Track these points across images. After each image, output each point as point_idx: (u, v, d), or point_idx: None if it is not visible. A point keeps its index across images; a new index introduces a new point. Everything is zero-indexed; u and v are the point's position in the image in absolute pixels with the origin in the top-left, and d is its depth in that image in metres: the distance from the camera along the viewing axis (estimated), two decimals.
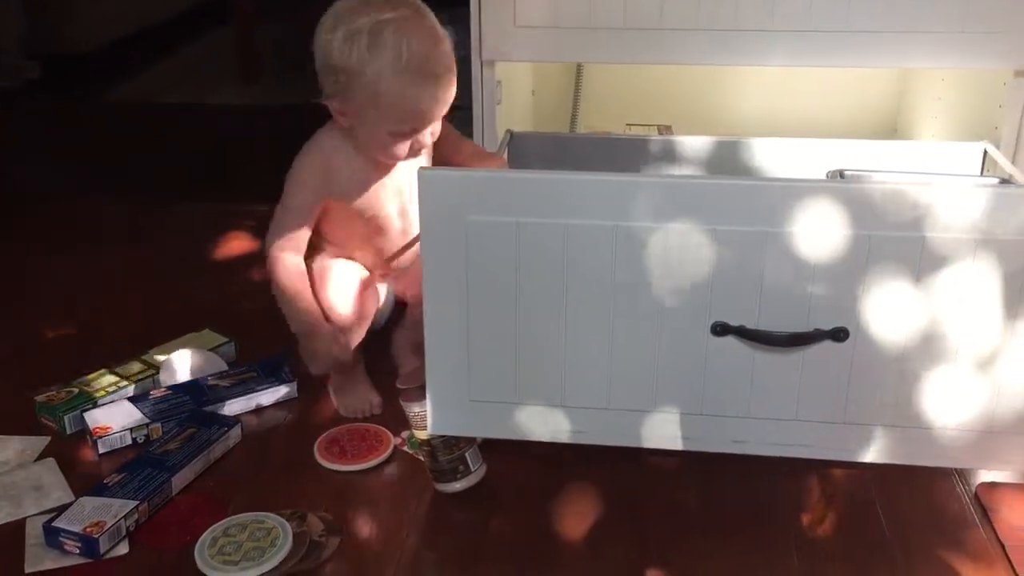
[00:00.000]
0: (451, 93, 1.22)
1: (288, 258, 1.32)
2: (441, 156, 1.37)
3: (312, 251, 1.36)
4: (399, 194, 1.34)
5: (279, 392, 1.45)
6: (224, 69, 3.29)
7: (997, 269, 1.01)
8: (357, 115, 1.23)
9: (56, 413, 1.36)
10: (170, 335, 1.56)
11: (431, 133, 1.25)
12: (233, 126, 2.85)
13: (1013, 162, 1.35)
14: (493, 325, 1.09)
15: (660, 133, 1.85)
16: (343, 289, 1.35)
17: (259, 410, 1.43)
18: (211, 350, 1.53)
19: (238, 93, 3.10)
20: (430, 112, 1.22)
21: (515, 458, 1.27)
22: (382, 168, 1.31)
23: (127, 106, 3.00)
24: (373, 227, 1.35)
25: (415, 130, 1.23)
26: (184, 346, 1.52)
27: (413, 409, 1.18)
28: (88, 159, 2.56)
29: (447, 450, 1.20)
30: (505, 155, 1.46)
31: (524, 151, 1.49)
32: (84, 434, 1.35)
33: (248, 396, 1.42)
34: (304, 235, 1.32)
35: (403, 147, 1.24)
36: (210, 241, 1.99)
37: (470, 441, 1.21)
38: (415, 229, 1.35)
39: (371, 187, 1.31)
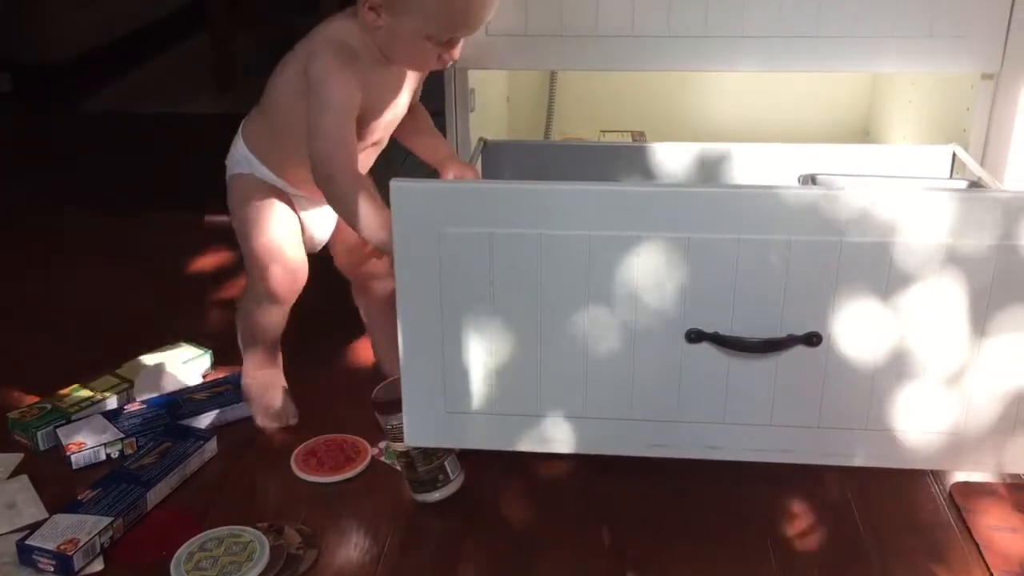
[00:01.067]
0: (495, 6, 1.17)
1: (359, 175, 1.21)
2: (418, 150, 1.36)
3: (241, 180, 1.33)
4: (395, 107, 1.27)
5: None
6: (198, 78, 3.27)
7: (967, 273, 1.02)
8: (397, 14, 1.15)
9: (29, 429, 1.35)
10: (146, 348, 1.55)
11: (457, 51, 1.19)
12: (208, 135, 2.84)
13: (982, 164, 1.37)
14: (468, 336, 1.09)
15: (634, 140, 1.86)
16: (291, 229, 1.32)
17: (235, 422, 1.42)
18: (187, 363, 1.52)
19: (213, 102, 3.08)
20: (476, 19, 1.16)
21: (493, 467, 1.27)
22: (395, 74, 1.24)
23: (101, 116, 2.98)
24: (360, 137, 1.24)
25: (452, 40, 1.17)
26: (159, 359, 1.51)
27: (391, 421, 1.18)
28: (62, 170, 2.54)
29: (425, 460, 1.20)
30: (479, 163, 1.46)
31: (498, 159, 1.49)
32: (58, 450, 1.33)
33: (223, 408, 1.42)
34: (356, 144, 1.21)
35: (433, 56, 1.18)
36: (186, 252, 1.98)
37: (448, 450, 1.21)
38: (383, 143, 1.31)
39: (378, 93, 1.23)
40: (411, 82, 1.29)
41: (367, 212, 1.16)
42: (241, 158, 1.34)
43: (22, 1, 3.14)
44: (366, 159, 1.31)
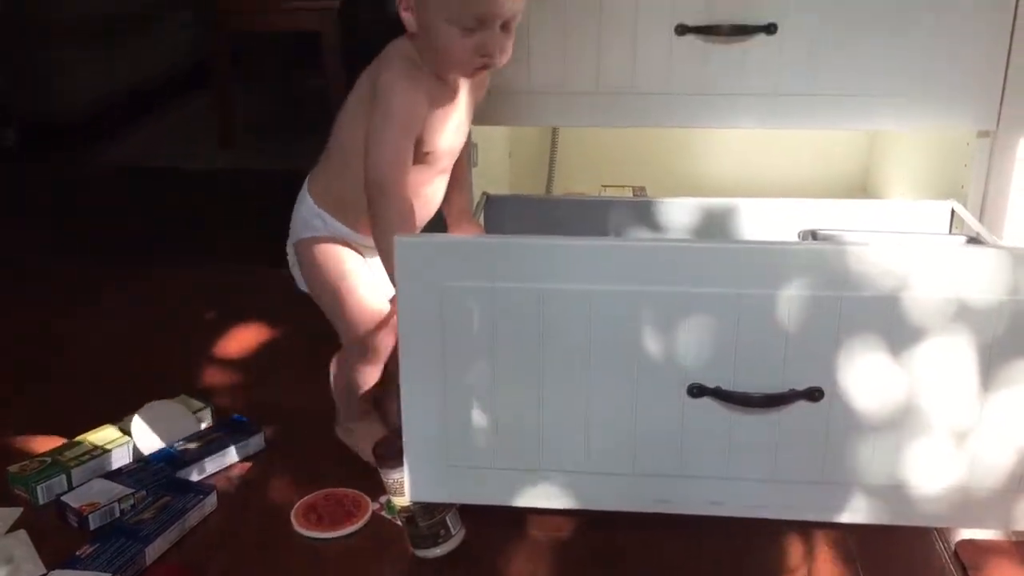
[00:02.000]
0: None
1: (408, 196, 1.19)
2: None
3: (310, 228, 1.31)
4: (457, 128, 1.27)
5: (249, 446, 1.45)
6: (200, 134, 3.30)
7: (969, 327, 1.02)
8: (423, 8, 1.15)
9: (28, 483, 1.34)
10: (146, 400, 1.55)
11: (501, 50, 1.17)
12: (210, 190, 2.86)
13: (980, 220, 1.38)
14: (470, 389, 1.08)
15: (635, 194, 1.87)
16: (373, 284, 1.30)
17: (235, 474, 1.41)
18: (187, 416, 1.52)
19: (214, 158, 3.11)
20: (498, 3, 1.13)
21: (495, 522, 1.26)
22: (452, 92, 1.24)
23: (105, 171, 3.00)
24: (420, 162, 1.24)
25: (481, 22, 1.13)
26: (160, 411, 1.51)
27: (391, 476, 1.17)
28: (65, 224, 2.55)
29: (427, 516, 1.19)
30: (481, 217, 1.47)
31: (501, 213, 1.50)
32: (56, 506, 1.32)
33: (220, 454, 1.42)
34: (411, 162, 1.19)
35: (469, 51, 1.15)
36: (186, 305, 1.99)
37: (449, 505, 1.20)
38: (448, 171, 1.31)
39: (439, 112, 1.22)
40: (467, 102, 1.28)
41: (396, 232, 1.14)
42: (311, 216, 1.32)
43: (29, 58, 3.19)
44: (435, 188, 1.31)
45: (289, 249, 1.38)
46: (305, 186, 1.35)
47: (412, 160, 1.21)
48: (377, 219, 1.18)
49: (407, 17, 1.18)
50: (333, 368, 1.42)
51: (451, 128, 1.26)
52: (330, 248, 1.31)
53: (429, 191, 1.30)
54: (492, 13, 1.13)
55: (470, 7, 1.13)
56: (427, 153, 1.24)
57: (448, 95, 1.24)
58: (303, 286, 1.38)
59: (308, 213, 1.33)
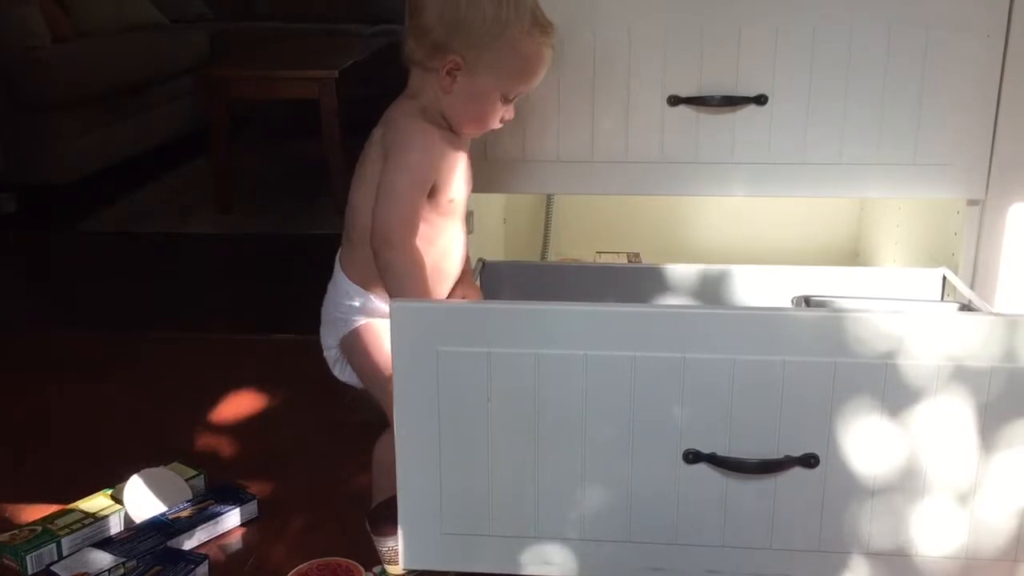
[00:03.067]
0: None
1: (418, 249, 1.21)
2: None
3: (344, 294, 1.30)
4: (467, 178, 1.31)
5: (242, 513, 1.44)
6: (198, 199, 3.33)
7: (963, 393, 1.03)
8: (475, 75, 1.20)
9: (18, 553, 1.33)
10: (139, 468, 1.54)
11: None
12: (208, 255, 2.88)
13: (971, 287, 1.39)
14: (465, 455, 1.08)
15: (629, 260, 1.89)
16: None
17: (228, 542, 1.40)
18: (180, 483, 1.50)
19: (213, 223, 3.14)
20: (542, 73, 1.24)
21: None
22: (457, 145, 1.27)
23: (102, 236, 3.02)
24: (445, 213, 1.27)
25: (518, 95, 1.24)
26: (152, 479, 1.50)
27: (386, 543, 1.16)
28: (62, 289, 2.56)
29: None
30: (477, 282, 1.48)
31: (496, 279, 1.51)
32: (47, 575, 1.31)
33: (212, 522, 1.41)
34: (420, 216, 1.22)
35: (497, 115, 1.24)
36: (181, 372, 1.98)
37: (444, 572, 1.19)
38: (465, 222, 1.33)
39: (454, 161, 1.26)
40: (468, 154, 1.32)
41: (414, 291, 1.17)
42: (351, 299, 1.30)
43: (29, 124, 3.23)
44: (460, 239, 1.32)
45: (329, 343, 1.34)
46: (338, 269, 1.33)
47: (431, 212, 1.24)
48: (387, 272, 1.20)
49: (447, 82, 1.22)
50: (380, 453, 1.34)
51: (463, 177, 1.30)
52: (375, 332, 1.29)
53: (456, 242, 1.31)
54: (533, 86, 1.24)
55: (525, 82, 1.23)
56: (450, 201, 1.27)
57: (460, 146, 1.28)
58: (348, 377, 1.34)
59: (348, 296, 1.30)
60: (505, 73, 1.21)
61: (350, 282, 1.30)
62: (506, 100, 1.24)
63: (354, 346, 1.30)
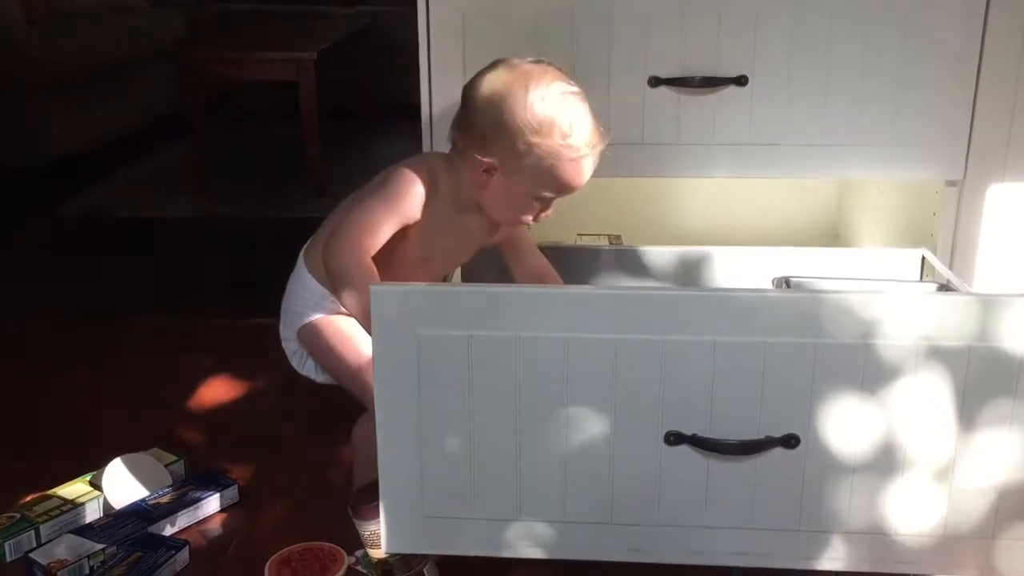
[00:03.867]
0: None
1: (368, 257, 1.21)
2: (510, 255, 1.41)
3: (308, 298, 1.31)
4: (454, 252, 1.34)
5: (223, 498, 1.43)
6: (174, 182, 3.31)
7: (942, 373, 1.03)
8: (511, 175, 1.21)
9: None
10: (118, 454, 1.53)
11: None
12: (184, 239, 2.86)
13: (950, 268, 1.40)
14: (446, 439, 1.08)
15: (611, 243, 1.88)
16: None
17: (208, 528, 1.39)
18: (160, 469, 1.50)
19: (189, 206, 3.11)
20: (583, 181, 1.24)
21: (473, 572, 1.25)
22: (461, 220, 1.29)
23: (78, 220, 2.99)
24: (417, 264, 1.30)
25: (552, 200, 1.25)
26: (132, 465, 1.49)
27: (368, 528, 1.16)
28: (36, 274, 2.54)
29: (405, 567, 1.18)
30: (458, 268, 1.47)
31: (477, 262, 1.50)
32: (24, 562, 1.30)
33: (193, 507, 1.40)
34: (381, 241, 1.23)
35: (533, 213, 1.25)
36: (159, 356, 1.97)
37: (426, 557, 1.19)
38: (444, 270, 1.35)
39: (444, 230, 1.28)
40: (488, 231, 1.33)
41: (360, 292, 1.16)
42: (313, 291, 1.31)
43: (3, 107, 3.19)
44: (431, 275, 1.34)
45: (287, 335, 1.35)
46: (301, 263, 1.34)
47: (404, 252, 1.26)
48: (337, 276, 1.20)
49: (483, 179, 1.23)
50: (359, 436, 1.35)
51: (450, 250, 1.33)
52: (341, 321, 1.31)
53: (421, 272, 1.31)
54: (575, 191, 1.24)
55: (562, 190, 1.23)
56: (424, 259, 1.29)
57: (460, 225, 1.29)
58: (308, 370, 1.36)
59: (306, 291, 1.32)
60: (541, 181, 1.22)
61: (312, 277, 1.31)
62: (541, 199, 1.24)
63: (315, 339, 1.31)
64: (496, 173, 1.22)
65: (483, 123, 1.20)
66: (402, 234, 1.25)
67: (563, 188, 1.23)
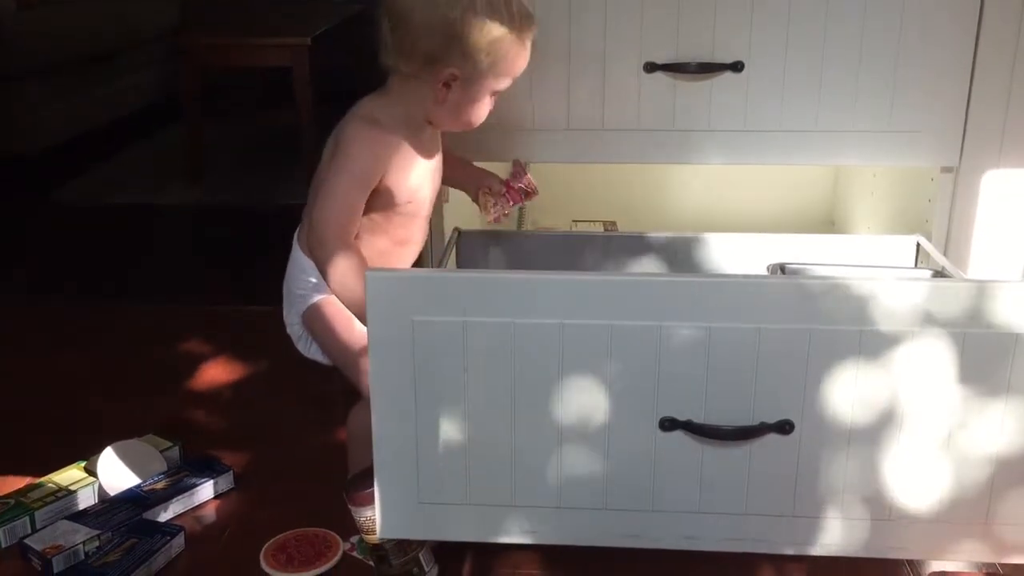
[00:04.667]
0: None
1: (355, 248, 1.20)
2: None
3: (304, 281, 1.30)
4: (433, 174, 1.31)
5: (218, 484, 1.43)
6: (168, 169, 3.29)
7: (937, 360, 1.03)
8: (471, 82, 1.20)
9: None
10: (113, 440, 1.52)
11: None
12: (178, 225, 2.85)
13: (945, 254, 1.40)
14: (441, 425, 1.08)
15: (605, 229, 1.88)
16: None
17: (203, 514, 1.39)
18: (154, 455, 1.50)
19: (183, 192, 3.10)
20: (526, 64, 1.24)
21: (468, 558, 1.25)
22: (430, 144, 1.29)
23: (72, 208, 2.98)
24: (404, 213, 1.29)
25: (506, 89, 1.25)
26: (126, 451, 1.49)
27: (363, 514, 1.16)
28: (32, 260, 2.53)
29: (400, 553, 1.18)
30: (453, 253, 1.47)
31: (472, 248, 1.50)
32: (19, 548, 1.30)
33: (188, 493, 1.40)
34: (359, 216, 1.22)
35: (487, 109, 1.25)
36: (155, 342, 1.97)
37: (422, 542, 1.19)
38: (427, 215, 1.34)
39: (414, 165, 1.27)
40: (439, 147, 1.32)
41: (353, 284, 1.15)
42: (310, 273, 1.30)
43: None
44: (418, 230, 1.33)
45: (291, 319, 1.34)
46: (296, 246, 1.33)
47: (387, 211, 1.24)
48: (327, 271, 1.19)
49: (443, 93, 1.21)
50: (354, 424, 1.34)
51: (427, 177, 1.29)
52: (335, 308, 1.29)
53: (415, 236, 1.32)
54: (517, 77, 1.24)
55: (512, 77, 1.23)
56: (408, 203, 1.27)
57: (427, 147, 1.28)
58: (313, 353, 1.35)
59: (303, 273, 1.31)
60: (500, 75, 1.21)
61: (308, 259, 1.30)
62: (494, 94, 1.24)
63: (316, 322, 1.30)
64: (455, 83, 1.20)
65: (432, 37, 1.18)
66: (378, 189, 1.24)
67: (514, 74, 1.23)
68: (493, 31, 1.17)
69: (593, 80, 1.37)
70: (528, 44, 1.22)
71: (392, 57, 1.22)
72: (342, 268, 1.17)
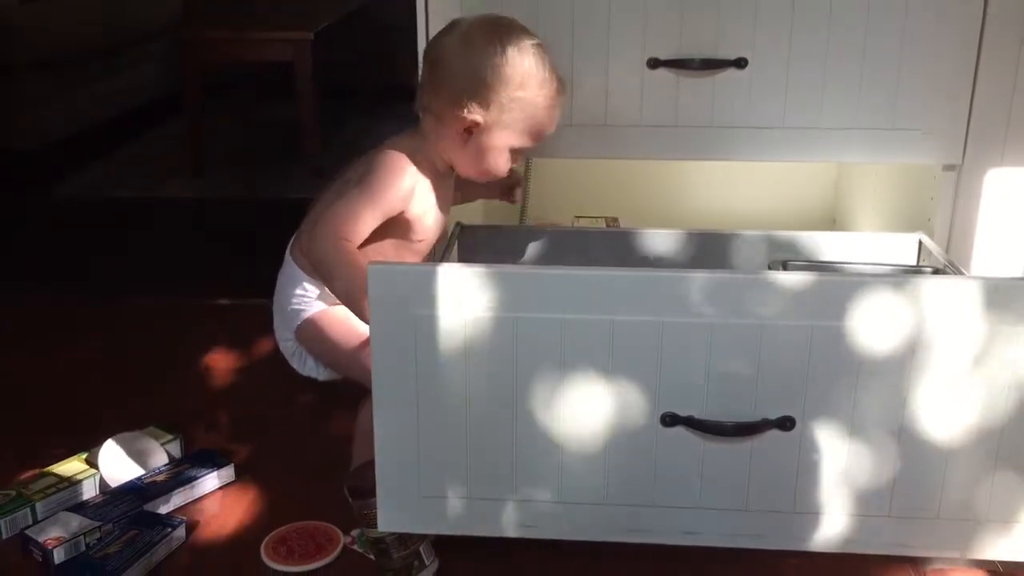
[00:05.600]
0: None
1: (355, 248, 1.22)
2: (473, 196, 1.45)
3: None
4: (445, 215, 1.35)
5: (219, 477, 1.43)
6: (170, 163, 3.29)
7: (939, 358, 1.03)
8: (492, 132, 1.24)
9: None
10: (114, 432, 1.53)
11: None
12: (180, 219, 2.85)
13: (947, 252, 1.40)
14: (443, 419, 1.08)
15: (608, 225, 1.88)
16: None
17: (204, 506, 1.39)
18: (156, 447, 1.50)
19: (185, 186, 3.10)
20: (554, 127, 1.28)
21: (469, 552, 1.25)
22: (447, 183, 1.33)
23: (72, 202, 2.98)
24: (411, 249, 1.33)
25: (527, 149, 1.29)
26: (128, 443, 1.49)
27: (365, 507, 1.16)
28: (33, 255, 2.53)
29: (401, 546, 1.18)
30: (455, 247, 1.47)
31: (473, 243, 1.50)
32: (20, 539, 1.30)
33: (189, 486, 1.40)
34: (365, 234, 1.24)
35: (508, 164, 1.28)
36: (156, 335, 1.97)
37: (423, 536, 1.19)
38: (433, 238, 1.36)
39: (433, 205, 1.31)
40: (452, 189, 1.37)
41: (351, 272, 1.17)
42: (306, 287, 1.31)
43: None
44: (419, 256, 1.36)
45: (285, 335, 1.35)
46: (289, 261, 1.34)
47: (397, 244, 1.29)
48: (326, 261, 1.20)
49: (464, 139, 1.25)
50: (363, 418, 1.35)
51: (439, 219, 1.34)
52: (337, 311, 1.31)
53: (420, 248, 1.35)
54: (545, 140, 1.28)
55: (537, 138, 1.27)
56: (420, 241, 1.32)
57: (446, 188, 1.33)
58: (308, 370, 1.36)
59: (299, 288, 1.32)
60: (522, 132, 1.25)
61: (303, 272, 1.31)
62: (515, 151, 1.28)
63: (314, 333, 1.31)
64: (476, 130, 1.23)
65: (461, 83, 1.21)
66: (389, 224, 1.27)
67: (541, 136, 1.27)
68: (522, 88, 1.21)
69: (596, 76, 1.37)
70: (556, 109, 1.26)
71: (426, 97, 1.26)
72: (342, 258, 1.19)
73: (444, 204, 1.34)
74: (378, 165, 1.26)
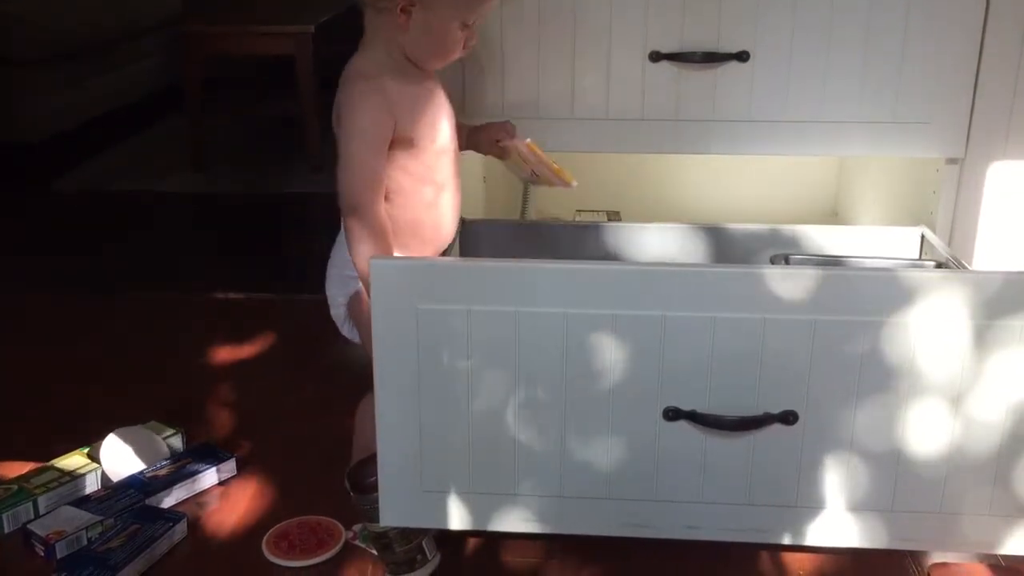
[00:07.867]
0: None
1: (382, 210, 1.18)
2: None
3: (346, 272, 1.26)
4: (444, 112, 1.27)
5: (220, 471, 1.43)
6: (172, 157, 3.29)
7: (941, 352, 1.03)
8: (430, 7, 1.17)
9: None
10: (116, 427, 1.53)
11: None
12: (182, 213, 2.85)
13: (949, 245, 1.40)
14: (445, 414, 1.08)
15: (609, 219, 1.88)
16: None
17: (206, 501, 1.40)
18: (157, 442, 1.50)
19: (186, 181, 3.09)
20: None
21: (471, 546, 1.25)
22: (425, 85, 1.25)
23: (75, 196, 2.98)
24: (433, 161, 1.25)
25: (477, 21, 1.21)
26: (129, 438, 1.49)
27: (367, 501, 1.16)
28: (35, 249, 2.53)
29: (403, 541, 1.18)
30: (457, 242, 1.47)
31: (475, 238, 1.50)
32: (22, 533, 1.30)
33: (190, 480, 1.40)
34: (384, 176, 1.19)
35: (460, 43, 1.20)
36: (158, 331, 1.97)
37: (425, 530, 1.19)
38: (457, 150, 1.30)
39: (419, 103, 1.23)
40: (443, 95, 1.29)
41: (367, 255, 1.14)
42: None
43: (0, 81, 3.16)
44: (450, 166, 1.29)
45: (338, 300, 1.31)
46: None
47: (415, 163, 1.22)
48: (349, 238, 1.17)
49: (403, 20, 1.18)
50: (364, 412, 1.31)
51: (442, 118, 1.26)
52: None
53: (448, 193, 1.28)
54: (488, 10, 1.20)
55: (481, 4, 1.19)
56: (433, 142, 1.24)
57: (429, 89, 1.25)
58: (351, 333, 1.32)
59: (350, 272, 1.26)
60: (459, 6, 1.17)
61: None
62: (466, 27, 1.19)
63: (360, 307, 1.29)
64: (414, 9, 1.17)
65: None
66: (401, 155, 1.22)
67: (482, 5, 1.19)
68: None
69: (598, 69, 1.37)
70: None
71: None
72: (366, 235, 1.16)
73: (437, 108, 1.26)
74: (342, 106, 1.19)
